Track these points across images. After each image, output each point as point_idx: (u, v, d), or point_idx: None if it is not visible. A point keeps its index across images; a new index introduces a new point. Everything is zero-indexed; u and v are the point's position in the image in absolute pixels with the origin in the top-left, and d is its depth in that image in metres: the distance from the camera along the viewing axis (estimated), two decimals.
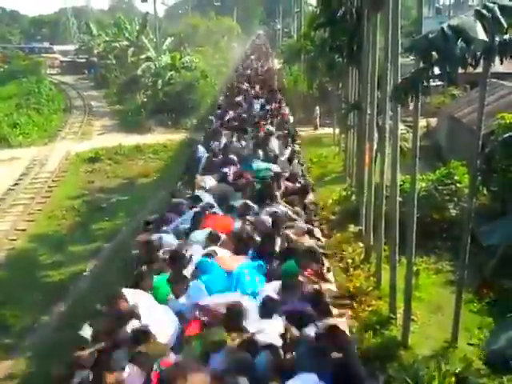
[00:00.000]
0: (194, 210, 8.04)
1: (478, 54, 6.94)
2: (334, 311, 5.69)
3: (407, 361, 8.47)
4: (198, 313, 5.33)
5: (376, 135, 12.44)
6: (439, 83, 9.79)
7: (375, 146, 12.66)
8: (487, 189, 12.35)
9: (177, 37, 47.52)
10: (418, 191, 9.58)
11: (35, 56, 50.77)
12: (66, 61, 56.94)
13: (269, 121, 16.06)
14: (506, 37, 6.95)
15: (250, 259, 6.48)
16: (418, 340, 9.06)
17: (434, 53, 6.71)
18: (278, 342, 4.75)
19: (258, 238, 6.96)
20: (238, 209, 8.10)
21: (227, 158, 11.19)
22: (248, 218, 7.65)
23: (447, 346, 8.80)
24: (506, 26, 6.58)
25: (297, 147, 13.93)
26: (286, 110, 19.41)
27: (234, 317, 4.98)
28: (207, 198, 8.62)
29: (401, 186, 10.93)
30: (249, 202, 8.31)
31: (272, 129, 14.49)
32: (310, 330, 4.83)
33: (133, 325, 4.91)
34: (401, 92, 7.57)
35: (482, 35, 6.36)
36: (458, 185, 13.26)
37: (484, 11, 6.49)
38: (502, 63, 7.38)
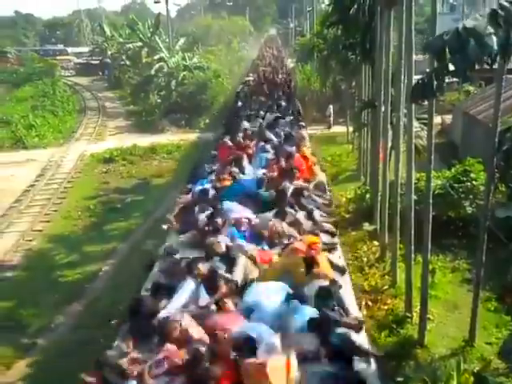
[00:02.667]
0: None
1: (494, 53, 6.85)
2: None
3: (424, 360, 8.42)
4: None
5: (390, 133, 12.36)
6: (454, 80, 9.72)
7: (389, 144, 12.58)
8: (506, 186, 12.20)
9: (189, 37, 47.70)
10: (433, 189, 9.51)
11: (50, 58, 51.30)
12: (80, 62, 57.44)
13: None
14: None
15: None
16: (435, 339, 8.99)
17: (449, 53, 6.66)
18: None
19: None
20: None
21: None
22: None
23: (464, 345, 8.72)
24: None
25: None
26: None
27: None
28: None
29: (416, 183, 10.85)
30: None
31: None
32: None
33: None
34: (418, 94, 7.51)
35: (492, 41, 6.29)
36: (473, 182, 13.12)
37: (499, 11, 6.42)
38: None
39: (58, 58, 56.17)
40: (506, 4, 6.48)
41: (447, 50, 6.47)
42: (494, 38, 6.23)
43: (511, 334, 8.98)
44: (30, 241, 15.65)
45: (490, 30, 6.27)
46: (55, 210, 18.10)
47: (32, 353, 10.20)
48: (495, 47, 6.29)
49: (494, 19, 6.36)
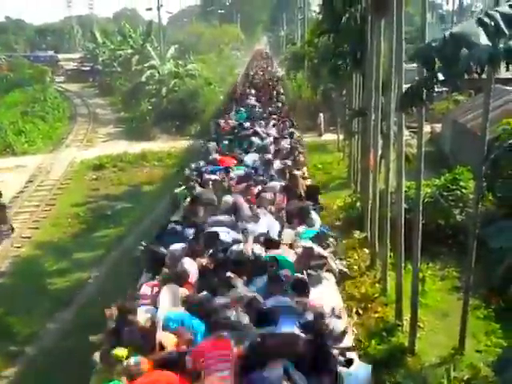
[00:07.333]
0: None
1: (483, 61, 6.91)
2: None
3: (414, 368, 8.43)
4: None
5: (380, 141, 12.42)
6: (443, 89, 9.81)
7: (380, 152, 12.64)
8: (493, 194, 12.28)
9: (181, 44, 47.79)
10: (422, 197, 9.56)
11: (40, 64, 51.14)
12: (71, 69, 57.35)
13: None
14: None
15: None
16: (425, 347, 9.01)
17: (437, 60, 6.70)
18: None
19: None
20: None
21: None
22: None
23: (454, 353, 8.74)
24: (507, 33, 6.54)
25: None
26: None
27: None
28: None
29: (406, 192, 10.89)
30: None
31: None
32: None
33: None
34: (407, 102, 7.56)
35: (484, 41, 6.33)
36: (463, 190, 13.20)
37: (486, 19, 6.47)
38: (507, 70, 7.35)
39: (58, 63, 56.44)
40: (492, 13, 6.53)
41: (436, 57, 6.52)
42: (484, 37, 6.25)
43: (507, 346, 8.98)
44: (19, 247, 15.50)
45: (479, 32, 6.29)
46: (44, 217, 17.96)
47: (20, 361, 10.09)
48: (488, 43, 6.31)
49: (482, 24, 6.39)
